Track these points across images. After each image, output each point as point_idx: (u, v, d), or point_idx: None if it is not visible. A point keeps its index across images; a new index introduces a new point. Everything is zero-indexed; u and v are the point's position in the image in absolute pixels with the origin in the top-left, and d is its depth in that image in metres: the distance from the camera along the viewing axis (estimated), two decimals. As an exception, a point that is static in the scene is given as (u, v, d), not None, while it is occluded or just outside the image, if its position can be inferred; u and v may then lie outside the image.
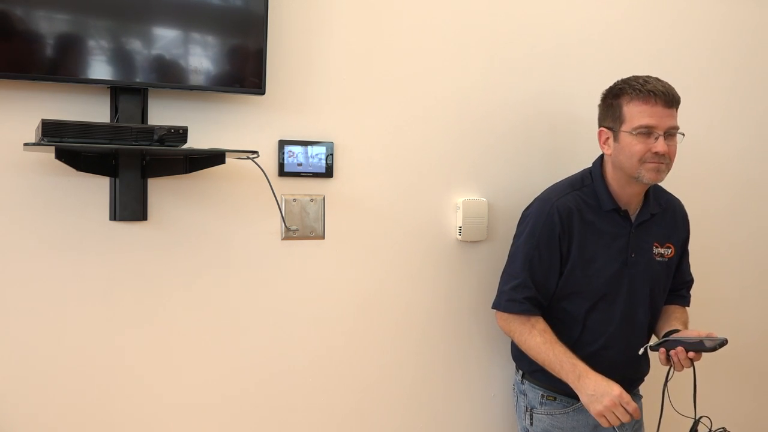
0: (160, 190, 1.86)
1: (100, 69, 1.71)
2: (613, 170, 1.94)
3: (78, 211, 1.79)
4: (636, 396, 2.06)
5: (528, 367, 2.01)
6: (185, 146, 1.71)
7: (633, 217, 1.96)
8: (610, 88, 1.94)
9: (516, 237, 2.02)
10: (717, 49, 2.54)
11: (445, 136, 2.16)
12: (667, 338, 1.88)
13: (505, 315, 1.98)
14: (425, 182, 2.14)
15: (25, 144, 1.62)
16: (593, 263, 1.93)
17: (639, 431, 2.07)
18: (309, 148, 2.00)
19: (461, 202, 2.15)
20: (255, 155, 1.80)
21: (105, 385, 1.82)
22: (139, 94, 1.78)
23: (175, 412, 1.89)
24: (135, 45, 1.73)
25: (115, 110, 1.77)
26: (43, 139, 1.56)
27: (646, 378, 2.08)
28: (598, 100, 1.99)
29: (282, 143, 1.97)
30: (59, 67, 1.68)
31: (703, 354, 1.82)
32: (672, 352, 1.83)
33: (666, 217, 2.03)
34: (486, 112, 2.20)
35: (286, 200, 1.98)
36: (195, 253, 1.90)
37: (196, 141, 1.83)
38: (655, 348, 1.88)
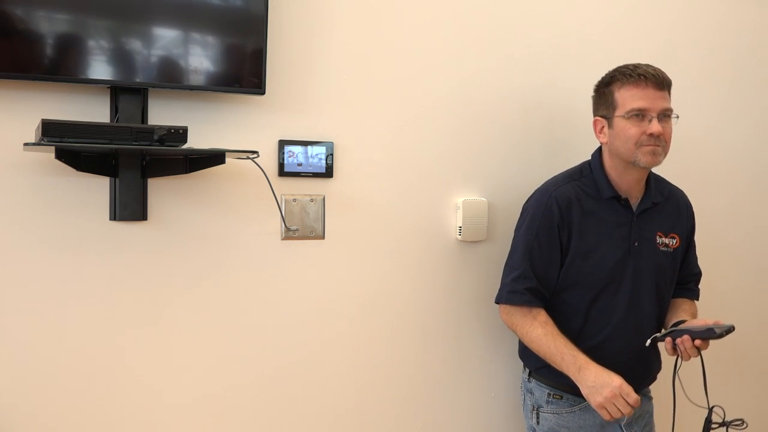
0: (160, 190, 1.86)
1: (100, 69, 1.71)
2: (610, 158, 1.95)
3: (78, 211, 1.79)
4: (646, 397, 2.04)
5: (534, 365, 2.00)
6: (185, 146, 1.71)
7: (634, 206, 1.96)
8: (602, 78, 1.97)
9: (516, 230, 2.02)
10: (716, 49, 2.54)
11: (445, 136, 2.16)
12: (673, 328, 1.86)
13: (508, 308, 1.97)
14: (425, 182, 2.14)
15: (25, 144, 1.62)
16: (595, 253, 1.92)
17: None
18: (309, 148, 2.00)
19: (461, 202, 2.16)
20: (255, 155, 1.80)
21: (105, 385, 1.82)
22: (139, 94, 1.78)
23: (175, 411, 1.89)
24: (135, 45, 1.73)
25: (115, 110, 1.77)
26: (43, 139, 1.56)
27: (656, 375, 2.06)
28: (595, 96, 1.99)
29: (282, 143, 1.97)
30: (59, 67, 1.68)
31: (711, 344, 1.82)
32: (678, 341, 1.82)
33: (669, 207, 2.03)
34: (486, 112, 2.20)
35: (286, 200, 1.98)
36: (195, 253, 1.90)
37: (196, 141, 1.83)
38: (661, 338, 1.87)
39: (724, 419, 1.84)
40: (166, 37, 1.77)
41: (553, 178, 2.02)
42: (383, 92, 2.08)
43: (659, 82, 1.87)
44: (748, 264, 2.62)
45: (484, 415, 2.24)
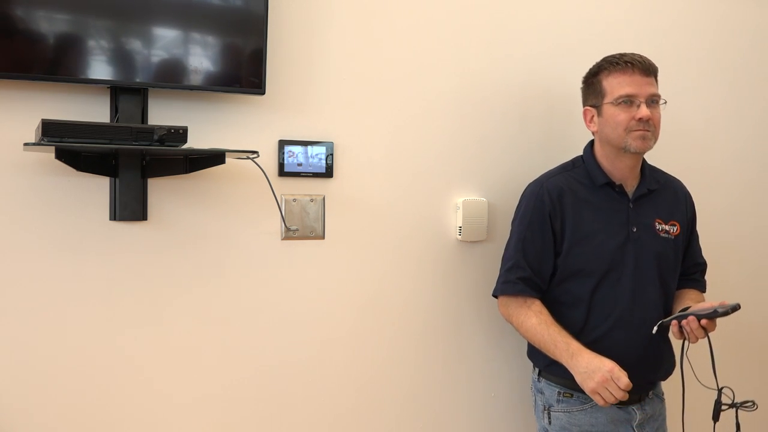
0: (160, 190, 1.86)
1: (100, 69, 1.71)
2: (601, 147, 1.97)
3: (78, 211, 1.79)
4: (658, 398, 2.01)
5: (542, 363, 1.98)
6: (185, 146, 1.71)
7: (630, 193, 1.97)
8: (589, 70, 2.00)
9: (511, 223, 2.04)
10: (716, 49, 2.54)
11: (445, 136, 2.16)
12: (679, 313, 1.86)
13: (504, 300, 1.98)
14: (425, 182, 2.14)
15: (25, 144, 1.62)
16: (593, 240, 1.92)
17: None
18: (309, 148, 2.00)
19: (461, 202, 2.16)
20: (255, 155, 1.80)
21: (105, 385, 1.82)
22: (139, 94, 1.78)
23: (175, 411, 1.89)
24: (135, 45, 1.73)
25: (115, 110, 1.77)
26: (43, 139, 1.56)
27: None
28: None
29: (282, 143, 1.97)
30: (59, 67, 1.68)
31: (714, 336, 1.81)
32: (684, 322, 1.82)
33: (666, 195, 2.03)
34: (486, 112, 2.21)
35: (286, 200, 1.98)
36: (195, 253, 1.90)
37: (196, 141, 1.83)
38: (667, 323, 1.86)
39: (733, 401, 1.84)
40: (166, 37, 1.77)
41: (546, 171, 2.04)
42: (383, 92, 2.08)
43: (646, 68, 1.90)
44: (749, 263, 2.62)
45: (484, 414, 2.24)
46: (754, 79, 2.61)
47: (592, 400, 1.88)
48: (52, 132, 1.56)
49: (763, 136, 2.64)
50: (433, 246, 2.16)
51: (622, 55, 1.91)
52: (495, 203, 2.21)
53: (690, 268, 2.09)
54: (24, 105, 1.72)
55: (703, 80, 2.52)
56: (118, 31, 1.72)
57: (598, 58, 1.98)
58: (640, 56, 1.91)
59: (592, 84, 1.96)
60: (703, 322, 1.80)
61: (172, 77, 1.78)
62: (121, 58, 1.73)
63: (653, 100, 1.90)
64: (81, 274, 1.79)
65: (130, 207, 1.80)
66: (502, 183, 2.22)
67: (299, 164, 1.99)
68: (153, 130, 1.66)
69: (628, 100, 1.88)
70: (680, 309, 1.92)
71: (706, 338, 1.84)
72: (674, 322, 1.85)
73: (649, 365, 1.93)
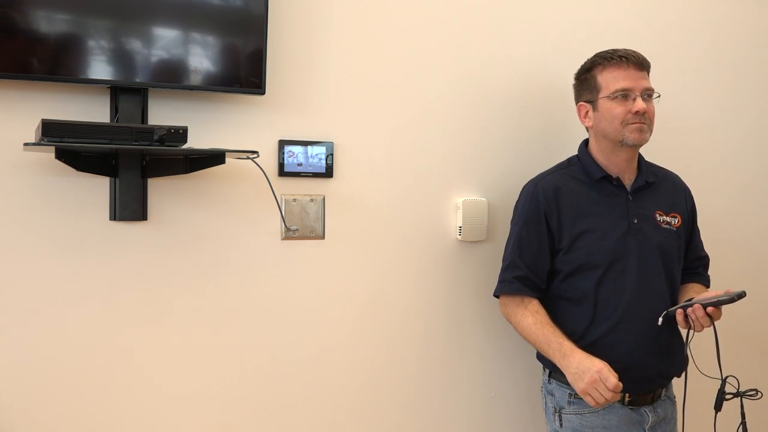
0: (160, 190, 1.86)
1: (100, 69, 1.71)
2: (596, 142, 1.98)
3: (78, 211, 1.79)
4: (669, 400, 1.99)
5: (551, 364, 1.93)
6: (185, 146, 1.71)
7: (628, 186, 1.97)
8: (581, 66, 2.01)
9: (510, 222, 2.04)
10: (716, 48, 2.54)
11: (445, 136, 2.16)
12: (685, 303, 1.85)
13: (504, 300, 1.99)
14: (425, 182, 2.14)
15: (25, 144, 1.62)
16: (593, 233, 1.91)
17: None
18: (309, 148, 2.00)
19: (461, 202, 2.16)
20: (255, 155, 1.80)
21: (105, 385, 1.82)
22: (139, 94, 1.78)
23: (175, 411, 1.89)
24: (135, 45, 1.73)
25: (115, 110, 1.77)
26: (43, 139, 1.56)
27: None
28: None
29: (282, 143, 1.97)
30: (59, 67, 1.68)
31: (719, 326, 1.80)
32: (689, 311, 1.81)
33: (665, 187, 2.04)
34: (486, 112, 2.21)
35: (286, 200, 1.98)
36: (195, 253, 1.90)
37: (196, 141, 1.83)
38: (672, 312, 1.85)
39: (738, 389, 1.83)
40: (166, 37, 1.77)
41: (542, 171, 2.05)
42: (383, 92, 2.08)
43: (639, 62, 1.92)
44: (749, 261, 2.62)
45: (484, 414, 2.24)
46: (753, 79, 2.61)
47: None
48: (52, 132, 1.56)
49: (762, 135, 2.64)
50: (433, 246, 2.16)
51: (615, 51, 1.93)
52: (495, 203, 2.21)
53: (693, 262, 2.09)
54: (24, 105, 1.72)
55: (702, 80, 2.52)
56: (118, 31, 1.72)
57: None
58: (633, 51, 1.93)
59: (586, 80, 1.98)
60: (709, 309, 1.79)
61: (172, 77, 1.78)
62: (121, 58, 1.73)
63: (648, 94, 1.92)
64: (81, 274, 1.79)
65: (130, 207, 1.80)
66: (502, 183, 2.22)
67: (299, 164, 1.99)
68: (153, 130, 1.66)
69: (624, 94, 1.90)
70: (685, 300, 1.91)
71: (710, 328, 1.82)
72: (679, 311, 1.84)
73: (660, 357, 1.91)
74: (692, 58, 2.50)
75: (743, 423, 1.88)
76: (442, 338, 2.18)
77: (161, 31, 1.76)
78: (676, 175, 2.11)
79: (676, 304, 1.94)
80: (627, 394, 1.88)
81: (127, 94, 1.77)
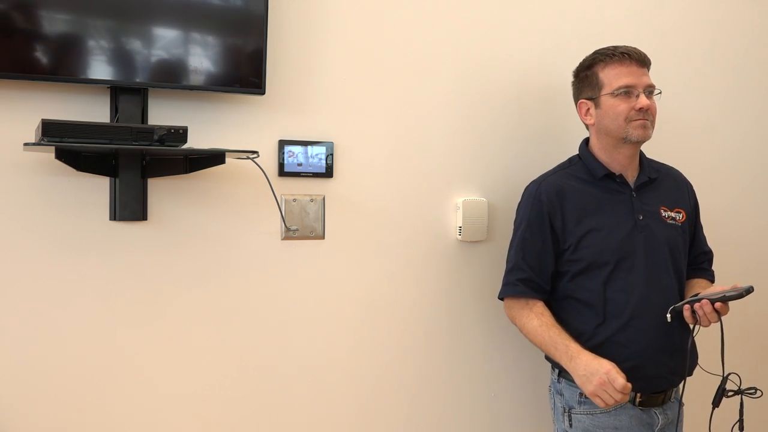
0: (160, 190, 1.86)
1: (100, 69, 1.71)
2: (598, 140, 1.97)
3: (78, 211, 1.79)
4: (677, 402, 1.96)
5: None
6: (185, 146, 1.71)
7: (631, 183, 1.96)
8: (580, 63, 2.00)
9: (513, 224, 2.03)
10: (716, 49, 2.54)
11: (445, 136, 2.16)
12: (692, 298, 1.84)
13: (509, 302, 1.98)
14: (425, 182, 2.14)
15: (25, 144, 1.62)
16: (599, 231, 1.90)
17: None
18: (309, 148, 2.00)
19: (461, 202, 2.16)
20: (255, 155, 1.80)
21: (105, 385, 1.82)
22: (139, 94, 1.78)
23: (175, 411, 1.89)
24: (135, 45, 1.74)
25: (115, 110, 1.77)
26: (43, 139, 1.56)
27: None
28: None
29: (282, 143, 1.97)
30: (59, 67, 1.68)
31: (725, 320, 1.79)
32: (696, 305, 1.80)
33: (668, 183, 2.03)
34: (486, 112, 2.21)
35: (286, 200, 1.98)
36: (195, 253, 1.90)
37: (196, 141, 1.83)
38: (679, 308, 1.84)
39: (740, 387, 1.83)
40: (166, 37, 1.77)
41: (544, 172, 2.03)
42: (383, 92, 2.08)
43: (641, 59, 1.92)
44: (750, 261, 2.62)
45: (485, 414, 2.24)
46: (753, 79, 2.61)
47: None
48: (52, 132, 1.56)
49: (762, 135, 2.64)
50: (433, 246, 2.16)
51: (616, 47, 1.93)
52: (495, 203, 2.21)
53: (698, 258, 2.08)
54: (24, 105, 1.72)
55: (702, 80, 2.52)
56: (118, 31, 1.72)
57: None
58: (634, 48, 1.92)
59: (587, 77, 1.97)
60: (717, 305, 1.78)
61: (172, 77, 1.78)
62: (121, 58, 1.73)
63: (649, 91, 1.92)
64: (81, 274, 1.79)
65: (130, 207, 1.80)
66: (502, 183, 2.22)
67: (299, 164, 1.99)
68: (153, 130, 1.66)
69: (627, 91, 1.89)
70: (691, 296, 1.90)
71: (716, 324, 1.81)
72: (686, 306, 1.82)
73: (671, 354, 1.89)
74: (692, 59, 2.50)
75: (740, 421, 1.88)
76: (442, 338, 2.18)
77: (161, 31, 1.76)
78: (678, 171, 2.11)
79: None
80: (638, 394, 1.86)
81: (127, 94, 1.77)
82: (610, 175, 1.95)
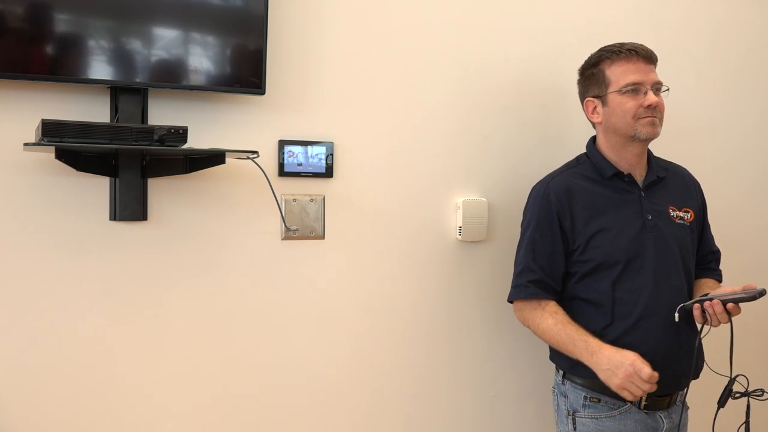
0: (160, 190, 1.86)
1: (100, 69, 1.71)
2: (606, 138, 1.95)
3: (78, 211, 1.79)
4: (681, 406, 1.94)
5: (567, 364, 1.90)
6: (185, 146, 1.71)
7: (640, 182, 1.95)
8: (586, 61, 1.98)
9: (521, 225, 2.00)
10: (716, 49, 2.54)
11: (445, 136, 2.16)
12: (702, 297, 1.81)
13: (519, 304, 1.95)
14: (425, 182, 2.14)
15: (25, 144, 1.62)
16: (608, 231, 1.88)
17: None
18: (309, 148, 2.00)
19: (461, 202, 2.16)
20: (255, 155, 1.80)
21: (104, 385, 1.82)
22: (139, 94, 1.79)
23: (174, 412, 1.89)
24: (135, 45, 1.74)
25: (115, 110, 1.78)
26: (43, 139, 1.56)
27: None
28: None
29: (282, 143, 1.97)
30: (59, 67, 1.68)
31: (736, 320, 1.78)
32: (707, 305, 1.77)
33: (676, 182, 2.02)
34: (486, 112, 2.20)
35: (286, 200, 1.98)
36: (195, 253, 1.90)
37: (196, 141, 1.83)
38: (689, 306, 1.81)
39: (747, 389, 1.81)
40: (166, 37, 1.77)
41: (551, 171, 2.02)
42: (383, 92, 2.08)
43: (648, 56, 1.90)
44: (750, 261, 2.62)
45: (485, 414, 2.24)
46: (755, 80, 2.61)
47: (621, 406, 1.85)
48: (52, 132, 1.56)
49: (764, 135, 2.64)
50: (433, 246, 2.16)
51: (622, 44, 1.90)
52: (495, 203, 2.21)
53: (706, 257, 2.06)
54: (24, 105, 1.72)
55: (704, 80, 2.52)
56: (118, 31, 1.72)
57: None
58: (640, 44, 1.90)
59: (593, 75, 1.94)
60: (729, 306, 1.75)
61: (172, 77, 1.78)
62: (121, 58, 1.73)
63: (657, 88, 1.90)
64: (81, 274, 1.80)
65: (130, 207, 1.80)
66: (502, 183, 2.22)
67: (299, 164, 1.99)
68: (153, 130, 1.66)
69: (635, 88, 1.87)
70: (700, 295, 1.87)
71: (724, 324, 1.78)
72: (696, 305, 1.79)
73: (680, 356, 1.87)
74: (694, 59, 2.50)
75: (747, 423, 1.87)
76: (442, 338, 2.18)
77: (161, 31, 1.76)
78: (685, 169, 2.09)
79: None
80: (644, 397, 1.84)
81: (127, 94, 1.77)
82: (618, 175, 1.93)
